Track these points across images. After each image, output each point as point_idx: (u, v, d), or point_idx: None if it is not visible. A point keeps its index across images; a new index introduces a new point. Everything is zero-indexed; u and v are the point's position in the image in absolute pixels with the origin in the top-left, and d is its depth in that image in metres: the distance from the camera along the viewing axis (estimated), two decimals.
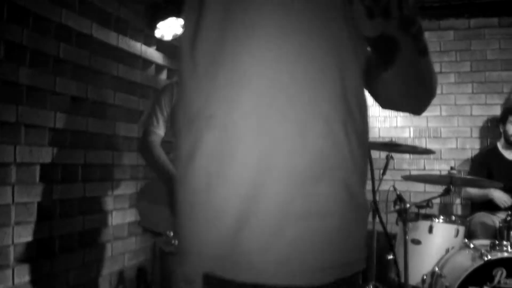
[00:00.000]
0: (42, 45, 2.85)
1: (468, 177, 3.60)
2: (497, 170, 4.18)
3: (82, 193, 3.24)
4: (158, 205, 2.76)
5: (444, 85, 5.05)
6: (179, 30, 4.03)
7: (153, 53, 4.03)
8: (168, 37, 4.02)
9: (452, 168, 3.81)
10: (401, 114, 5.15)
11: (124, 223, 3.65)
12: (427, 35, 4.37)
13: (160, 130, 2.85)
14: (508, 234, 3.30)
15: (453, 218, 3.71)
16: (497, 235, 3.60)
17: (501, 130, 4.41)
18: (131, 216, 3.72)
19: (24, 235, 2.76)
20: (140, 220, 2.82)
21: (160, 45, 4.10)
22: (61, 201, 3.04)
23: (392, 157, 3.85)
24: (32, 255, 2.82)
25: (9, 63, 2.63)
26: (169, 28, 3.97)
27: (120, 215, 3.59)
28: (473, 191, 4.24)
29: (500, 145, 4.43)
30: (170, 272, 2.81)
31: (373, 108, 5.38)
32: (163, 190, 2.75)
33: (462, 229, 3.59)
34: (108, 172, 3.50)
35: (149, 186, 2.87)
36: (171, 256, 2.74)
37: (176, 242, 2.62)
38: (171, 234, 2.66)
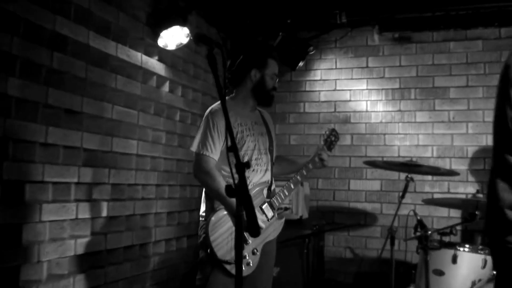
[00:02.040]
0: (33, 54, 2.87)
1: None
2: None
3: (75, 214, 3.23)
4: (229, 234, 2.86)
5: (471, 100, 5.00)
6: (183, 40, 4.05)
7: (154, 64, 4.04)
8: (171, 46, 4.05)
9: (478, 192, 3.75)
10: (423, 131, 5.09)
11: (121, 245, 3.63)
12: (452, 45, 4.42)
13: (215, 155, 2.97)
14: None
15: (480, 247, 3.63)
16: None
17: None
18: (127, 239, 3.70)
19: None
20: (216, 252, 2.84)
21: (162, 55, 4.12)
22: (50, 222, 3.03)
23: (412, 179, 3.79)
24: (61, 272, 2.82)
25: None
26: (173, 37, 4.01)
27: (120, 238, 3.58)
28: None
29: None
30: None
31: (392, 125, 5.37)
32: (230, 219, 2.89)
33: (490, 259, 3.51)
34: (103, 192, 3.49)
35: (218, 216, 2.92)
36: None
37: (244, 267, 2.82)
38: None
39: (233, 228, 2.77)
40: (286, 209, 4.41)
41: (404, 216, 3.89)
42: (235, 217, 2.03)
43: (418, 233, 3.43)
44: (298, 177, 3.18)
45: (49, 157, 3.02)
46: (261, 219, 2.94)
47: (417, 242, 3.47)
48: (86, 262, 3.31)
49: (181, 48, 4.17)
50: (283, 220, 3.18)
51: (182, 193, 4.49)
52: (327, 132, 3.34)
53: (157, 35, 3.94)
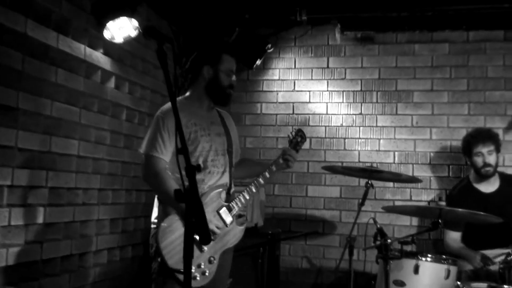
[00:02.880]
0: None
1: (460, 210, 3.62)
2: (475, 208, 4.21)
3: (8, 220, 3.14)
4: (181, 240, 2.80)
5: (436, 105, 5.13)
6: (132, 32, 4.01)
7: (99, 57, 3.98)
8: (118, 39, 4.00)
9: (440, 199, 3.84)
10: (385, 136, 5.19)
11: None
12: (417, 47, 4.55)
13: (165, 156, 2.98)
14: (510, 276, 3.32)
15: (443, 256, 3.72)
16: (490, 277, 3.62)
17: (468, 162, 4.47)
18: (65, 248, 3.63)
19: None
20: (166, 261, 2.81)
21: (108, 48, 4.06)
22: None
23: (372, 185, 3.85)
24: None
25: None
26: (120, 29, 3.96)
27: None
28: (456, 246, 4.25)
29: (472, 178, 4.46)
30: None
31: (353, 129, 5.44)
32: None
33: (453, 269, 3.60)
34: (39, 196, 3.41)
35: (169, 222, 2.89)
36: None
37: (199, 276, 2.83)
38: (194, 268, 2.82)
39: None
40: (240, 216, 4.42)
41: (364, 225, 3.94)
42: (185, 223, 2.02)
43: (378, 242, 3.48)
44: (260, 179, 3.22)
45: None
46: (215, 224, 2.95)
47: (377, 251, 3.52)
48: (19, 273, 3.23)
49: (129, 41, 4.12)
50: (243, 226, 3.21)
51: (127, 198, 4.43)
52: (293, 133, 3.42)
53: (102, 26, 3.88)
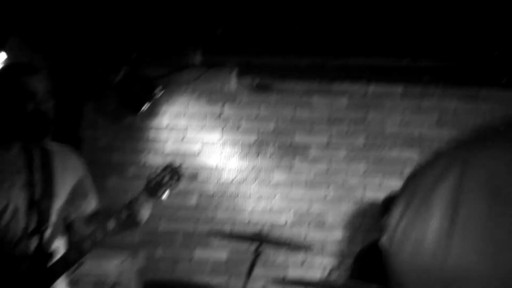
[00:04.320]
0: None
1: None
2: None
3: None
4: None
5: (333, 161, 5.25)
6: None
7: None
8: None
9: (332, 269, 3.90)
10: (279, 193, 5.23)
11: None
12: (315, 99, 4.49)
13: None
14: None
15: None
16: None
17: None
18: None
19: None
20: None
21: None
22: None
23: (260, 253, 3.84)
24: None
25: None
26: None
27: None
28: None
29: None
30: None
31: (245, 185, 5.37)
32: None
33: None
34: None
35: None
36: None
37: None
38: None
39: None
40: (114, 285, 4.30)
41: None
42: None
43: None
44: (84, 245, 2.60)
45: None
46: None
47: None
48: None
49: None
50: None
51: None
52: (157, 170, 2.76)
53: None
